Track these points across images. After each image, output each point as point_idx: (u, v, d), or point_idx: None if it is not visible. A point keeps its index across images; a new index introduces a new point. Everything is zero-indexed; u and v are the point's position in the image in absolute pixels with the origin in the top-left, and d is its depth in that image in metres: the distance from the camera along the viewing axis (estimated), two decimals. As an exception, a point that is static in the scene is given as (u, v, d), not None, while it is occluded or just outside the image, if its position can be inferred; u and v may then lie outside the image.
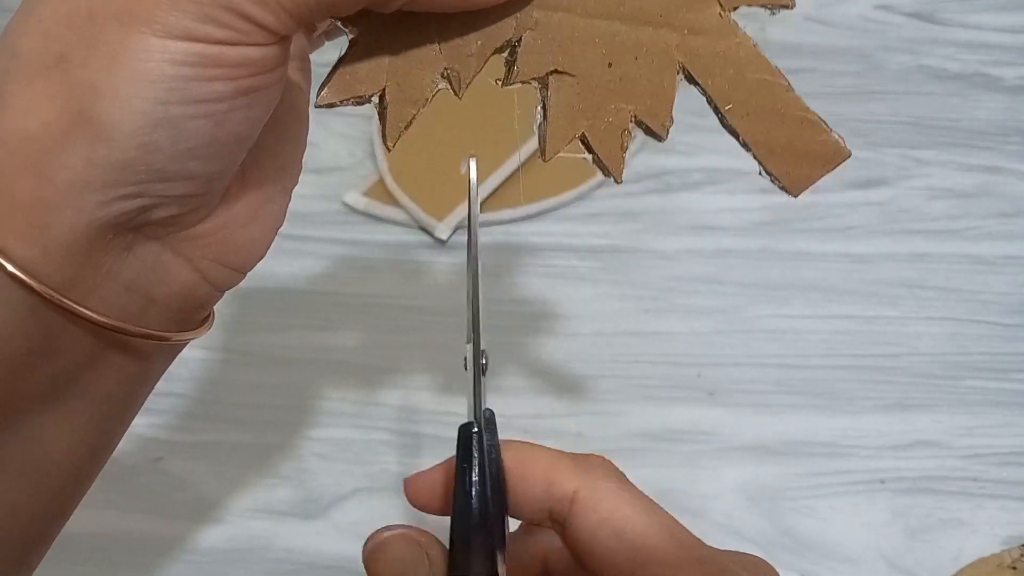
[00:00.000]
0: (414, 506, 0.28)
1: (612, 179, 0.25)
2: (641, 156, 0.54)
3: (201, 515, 0.44)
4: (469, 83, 0.24)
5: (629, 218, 0.52)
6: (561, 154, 0.25)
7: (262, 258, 0.26)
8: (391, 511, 0.44)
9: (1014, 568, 0.40)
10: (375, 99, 0.25)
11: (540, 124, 0.25)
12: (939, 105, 0.56)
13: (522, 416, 0.46)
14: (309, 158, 0.27)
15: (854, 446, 0.45)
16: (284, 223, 0.27)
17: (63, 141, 0.20)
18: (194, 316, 0.26)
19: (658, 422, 0.46)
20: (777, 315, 0.49)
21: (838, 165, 0.25)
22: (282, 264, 0.51)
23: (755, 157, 0.25)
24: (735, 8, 0.24)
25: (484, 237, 0.51)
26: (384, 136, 0.25)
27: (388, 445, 0.46)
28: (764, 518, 0.43)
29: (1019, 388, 0.46)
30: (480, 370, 0.28)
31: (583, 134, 0.25)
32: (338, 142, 0.56)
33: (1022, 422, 0.46)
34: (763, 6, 0.24)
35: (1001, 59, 0.58)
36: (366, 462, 0.45)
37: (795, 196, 0.25)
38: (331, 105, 0.24)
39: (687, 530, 0.25)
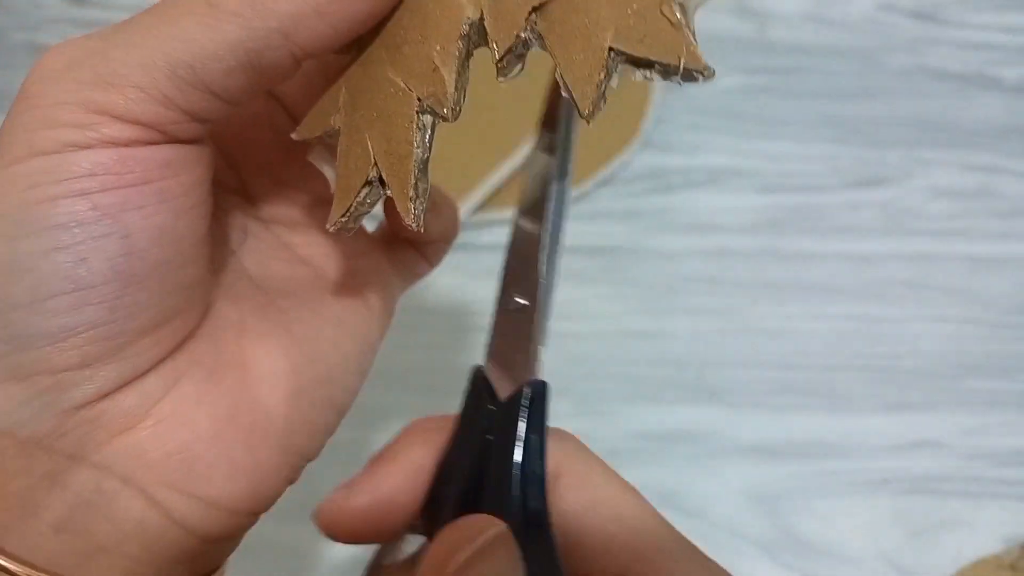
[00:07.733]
0: (335, 536, 0.22)
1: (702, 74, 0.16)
2: (641, 155, 0.54)
3: (201, 515, 0.44)
4: (459, 101, 0.19)
5: (629, 218, 0.52)
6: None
7: (264, 500, 0.20)
8: (391, 511, 0.44)
9: (1014, 568, 0.40)
10: (372, 173, 0.21)
11: (560, 76, 0.18)
12: (940, 105, 0.56)
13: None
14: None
15: (855, 446, 0.45)
16: None
17: None
18: (182, 572, 0.20)
19: (659, 422, 0.46)
20: (778, 315, 0.49)
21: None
22: (282, 264, 0.50)
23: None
24: None
25: (484, 237, 0.51)
26: (412, 216, 0.20)
27: (388, 445, 0.46)
28: (765, 519, 0.43)
29: (1020, 388, 0.46)
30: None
31: (611, 50, 0.17)
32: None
33: (1022, 422, 0.46)
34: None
35: (1001, 59, 0.58)
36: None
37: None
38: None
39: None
